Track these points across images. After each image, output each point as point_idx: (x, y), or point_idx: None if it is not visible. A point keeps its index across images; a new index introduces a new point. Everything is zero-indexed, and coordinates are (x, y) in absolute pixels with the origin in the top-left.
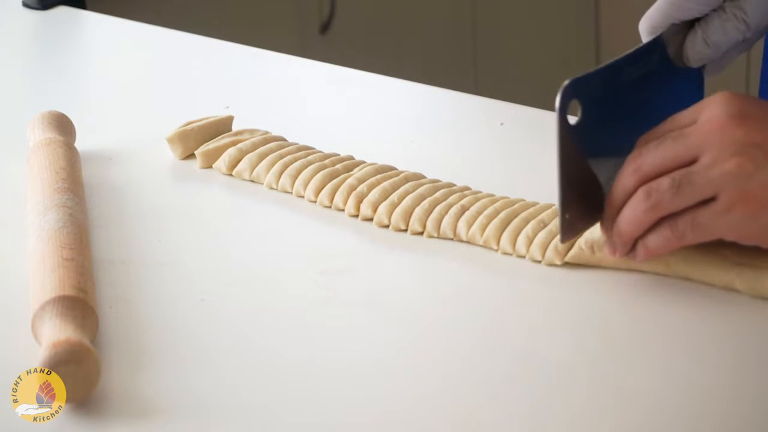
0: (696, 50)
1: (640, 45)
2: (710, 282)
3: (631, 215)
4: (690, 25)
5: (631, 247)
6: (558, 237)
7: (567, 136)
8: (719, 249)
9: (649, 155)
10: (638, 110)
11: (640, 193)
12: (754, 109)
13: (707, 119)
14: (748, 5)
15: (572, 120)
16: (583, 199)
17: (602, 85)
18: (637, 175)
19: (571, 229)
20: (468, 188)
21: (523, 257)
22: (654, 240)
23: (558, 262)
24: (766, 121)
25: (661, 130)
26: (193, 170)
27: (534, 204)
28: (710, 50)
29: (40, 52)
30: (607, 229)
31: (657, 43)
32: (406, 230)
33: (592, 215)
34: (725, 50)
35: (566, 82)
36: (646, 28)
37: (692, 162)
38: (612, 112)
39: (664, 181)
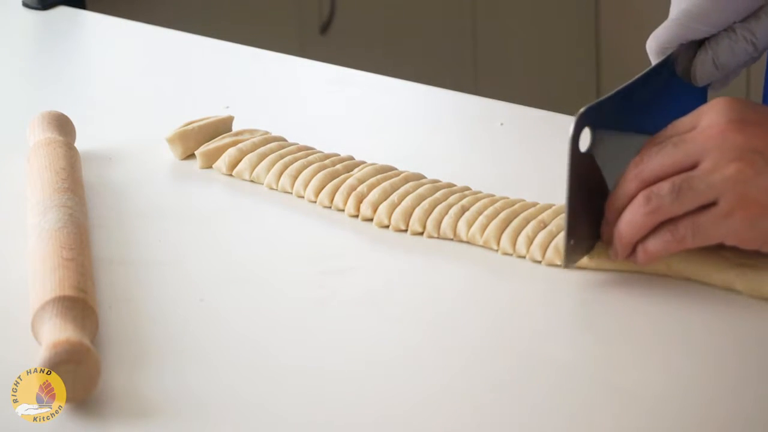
0: (705, 71)
1: (651, 67)
2: (710, 282)
3: (632, 219)
4: (699, 42)
5: (631, 251)
6: (558, 237)
7: (578, 163)
8: (719, 249)
9: (649, 161)
10: (646, 128)
11: (641, 197)
12: (754, 114)
13: (707, 125)
14: (758, 27)
15: (583, 146)
16: (589, 225)
17: (614, 110)
18: (638, 180)
19: (575, 254)
20: (468, 188)
21: (523, 257)
22: (654, 243)
23: (558, 262)
24: (766, 126)
25: (662, 136)
26: (193, 170)
27: (534, 204)
28: (719, 72)
29: (40, 52)
30: (607, 233)
31: (666, 62)
32: (406, 230)
33: (595, 241)
34: (733, 69)
35: (581, 111)
36: (654, 48)
37: (693, 167)
38: (621, 135)
39: (665, 186)
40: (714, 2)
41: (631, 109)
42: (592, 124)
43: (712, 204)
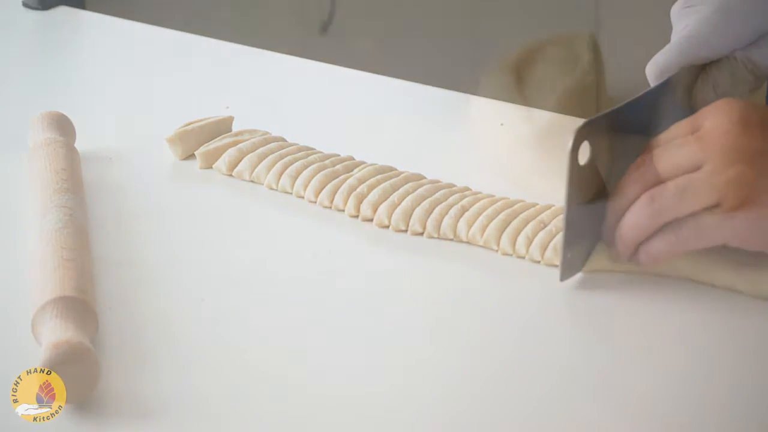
0: (705, 98)
1: (651, 88)
2: (711, 282)
3: (635, 221)
4: (699, 68)
5: (633, 252)
6: (557, 237)
7: (576, 177)
8: (721, 249)
9: (652, 162)
10: (643, 147)
11: (645, 198)
12: (757, 116)
13: (710, 127)
14: (759, 56)
15: (581, 160)
16: (587, 238)
17: (612, 127)
18: (641, 182)
19: (571, 267)
20: (468, 189)
21: (523, 257)
22: (657, 245)
23: (558, 263)
24: None
25: (665, 138)
26: (193, 170)
27: (534, 205)
28: (719, 99)
29: (40, 52)
30: (609, 235)
31: (666, 85)
32: (406, 231)
33: (590, 253)
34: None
35: (580, 125)
36: (653, 72)
37: (696, 169)
38: (619, 152)
39: (669, 187)
40: (715, 29)
41: (630, 126)
42: (591, 139)
43: (715, 206)
